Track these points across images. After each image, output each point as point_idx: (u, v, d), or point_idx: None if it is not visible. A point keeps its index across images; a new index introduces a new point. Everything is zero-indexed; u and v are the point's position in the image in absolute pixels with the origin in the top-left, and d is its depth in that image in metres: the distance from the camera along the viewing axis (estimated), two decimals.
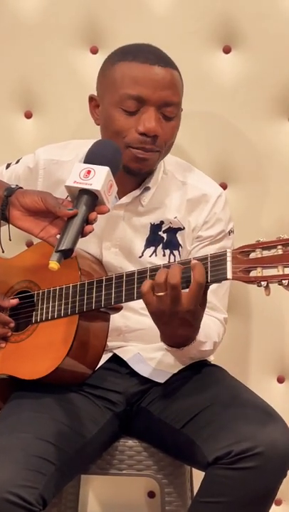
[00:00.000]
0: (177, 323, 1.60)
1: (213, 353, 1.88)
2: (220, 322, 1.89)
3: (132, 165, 1.77)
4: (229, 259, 1.52)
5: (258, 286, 1.48)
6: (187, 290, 1.56)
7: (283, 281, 1.45)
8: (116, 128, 1.77)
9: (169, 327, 1.62)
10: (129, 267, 1.82)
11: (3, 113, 2.23)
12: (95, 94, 1.86)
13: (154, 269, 1.60)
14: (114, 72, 1.79)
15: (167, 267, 1.57)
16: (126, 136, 1.76)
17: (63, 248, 1.54)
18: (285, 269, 1.45)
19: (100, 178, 1.57)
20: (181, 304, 1.56)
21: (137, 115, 1.76)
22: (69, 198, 1.62)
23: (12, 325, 1.79)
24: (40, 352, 1.73)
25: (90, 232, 1.58)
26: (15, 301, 1.79)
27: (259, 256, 1.49)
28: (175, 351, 1.70)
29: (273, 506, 1.71)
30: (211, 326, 1.82)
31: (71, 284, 1.71)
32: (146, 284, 1.57)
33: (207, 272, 1.54)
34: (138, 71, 1.76)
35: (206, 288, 1.58)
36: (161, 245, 1.87)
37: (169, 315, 1.58)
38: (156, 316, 1.60)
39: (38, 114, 2.22)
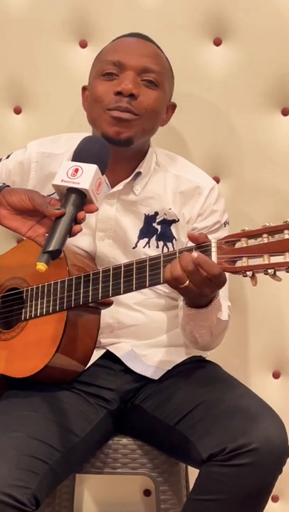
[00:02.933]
0: (208, 291, 1.57)
1: (218, 342, 1.84)
2: (226, 306, 1.86)
3: (110, 130, 1.75)
4: (214, 249, 1.50)
5: (244, 276, 1.46)
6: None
7: (269, 271, 1.43)
8: (96, 94, 1.79)
9: (199, 297, 1.60)
10: (123, 258, 1.82)
11: None
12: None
13: (140, 262, 1.59)
14: (100, 53, 1.86)
15: (154, 258, 1.57)
16: (104, 99, 1.78)
17: (51, 249, 1.51)
18: (271, 258, 1.43)
19: (88, 176, 1.55)
20: (208, 283, 1.52)
21: (116, 80, 1.78)
22: (57, 196, 1.60)
23: None
24: (30, 349, 1.72)
25: (79, 232, 1.56)
26: None
27: (244, 245, 1.47)
28: (199, 314, 1.67)
29: (270, 503, 1.70)
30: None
31: (59, 280, 1.70)
32: (168, 274, 1.54)
33: None
34: (119, 43, 1.85)
35: None
36: (154, 237, 1.86)
37: (198, 295, 1.57)
38: (186, 296, 1.61)
39: (28, 109, 2.21)
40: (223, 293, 1.86)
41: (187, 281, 1.52)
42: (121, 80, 1.77)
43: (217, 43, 2.16)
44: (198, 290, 1.54)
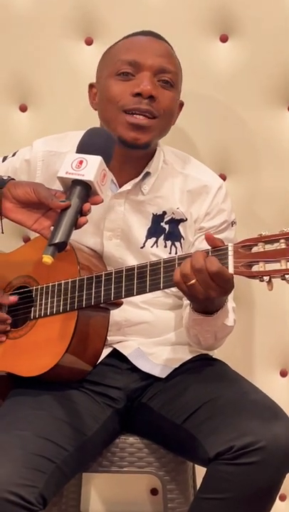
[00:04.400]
0: (214, 294, 1.56)
1: (221, 343, 1.85)
2: (232, 309, 1.86)
3: (127, 135, 1.74)
4: (231, 253, 1.50)
5: (260, 281, 1.46)
6: None
7: (286, 276, 1.43)
8: (111, 94, 1.77)
9: (205, 300, 1.59)
10: (130, 258, 1.81)
11: None
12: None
13: (154, 264, 1.59)
14: (111, 50, 1.83)
15: (169, 261, 1.56)
16: (120, 99, 1.75)
17: (56, 241, 1.51)
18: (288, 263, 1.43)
19: (92, 168, 1.54)
20: (212, 284, 1.52)
21: (133, 81, 1.76)
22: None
23: (9, 321, 1.77)
24: (39, 348, 1.71)
25: (84, 223, 1.55)
26: (14, 298, 1.77)
27: (261, 250, 1.47)
28: (205, 320, 1.67)
29: (278, 502, 1.69)
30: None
31: (70, 280, 1.69)
32: (177, 274, 1.54)
33: None
34: (133, 42, 1.82)
35: None
36: (162, 236, 1.85)
37: (204, 298, 1.56)
38: (192, 298, 1.59)
39: (33, 107, 2.20)
40: None
41: (194, 280, 1.52)
42: (138, 80, 1.75)
43: (223, 39, 2.15)
44: (204, 291, 1.53)
